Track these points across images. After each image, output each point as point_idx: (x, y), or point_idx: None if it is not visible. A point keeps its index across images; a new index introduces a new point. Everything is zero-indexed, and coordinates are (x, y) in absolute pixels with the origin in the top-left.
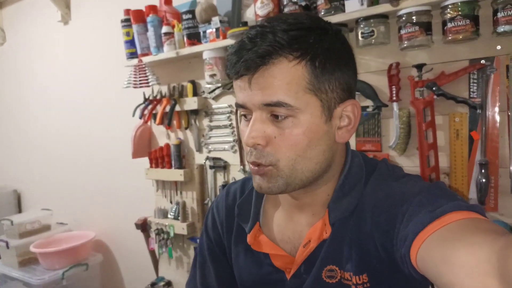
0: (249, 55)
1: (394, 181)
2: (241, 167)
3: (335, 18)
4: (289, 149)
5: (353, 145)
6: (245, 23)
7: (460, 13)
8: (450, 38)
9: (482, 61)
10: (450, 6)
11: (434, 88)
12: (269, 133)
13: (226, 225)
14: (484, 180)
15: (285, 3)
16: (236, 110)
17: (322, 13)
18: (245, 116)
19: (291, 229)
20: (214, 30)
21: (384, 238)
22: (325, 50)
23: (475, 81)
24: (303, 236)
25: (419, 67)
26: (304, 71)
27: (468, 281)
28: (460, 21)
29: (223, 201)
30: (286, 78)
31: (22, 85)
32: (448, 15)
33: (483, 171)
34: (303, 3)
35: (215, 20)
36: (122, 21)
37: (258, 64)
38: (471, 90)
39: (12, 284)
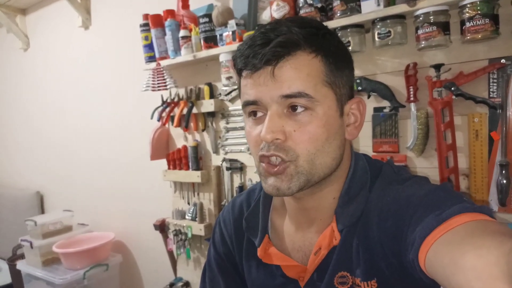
0: (270, 46)
1: (400, 184)
2: None
3: (351, 19)
4: (309, 143)
5: (370, 145)
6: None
7: (479, 12)
8: (468, 37)
9: (502, 61)
10: (468, 5)
11: (452, 88)
12: (288, 127)
13: (235, 239)
14: (505, 181)
15: (300, 5)
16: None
17: (338, 14)
18: (254, 114)
19: (300, 238)
20: (230, 33)
21: (392, 243)
22: (335, 48)
23: (495, 80)
24: (313, 244)
25: (437, 67)
26: (320, 65)
27: (477, 285)
28: (479, 20)
29: (230, 215)
30: (305, 69)
31: (44, 89)
32: (467, 14)
33: (503, 172)
34: (319, 5)
35: (232, 23)
36: (140, 26)
37: (280, 55)
38: (491, 90)
39: (36, 283)
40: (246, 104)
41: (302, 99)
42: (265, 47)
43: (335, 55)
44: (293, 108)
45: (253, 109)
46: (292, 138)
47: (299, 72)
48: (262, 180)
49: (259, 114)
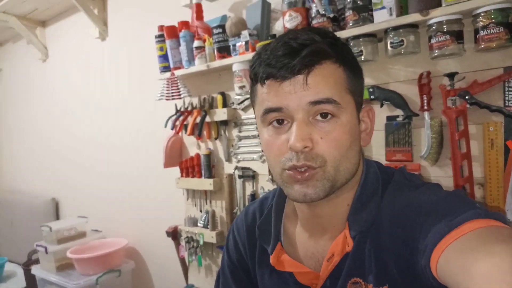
0: (302, 55)
1: (411, 191)
2: (270, 176)
3: (364, 29)
4: (336, 149)
5: (383, 154)
6: (274, 36)
7: (493, 20)
8: (482, 46)
9: None
10: (482, 14)
11: (467, 97)
12: (315, 135)
13: (248, 246)
14: None
15: (313, 15)
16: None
17: (351, 24)
18: (278, 122)
19: (313, 244)
20: (243, 43)
21: (404, 249)
22: (352, 58)
23: (511, 89)
24: (326, 250)
25: (451, 76)
26: (343, 74)
27: None
28: (493, 29)
29: (243, 223)
30: (333, 77)
31: (61, 98)
32: (481, 23)
33: None
34: (331, 15)
35: (245, 33)
36: (156, 37)
37: (311, 64)
38: (506, 98)
39: None
40: (268, 112)
41: (330, 105)
42: (294, 57)
43: (352, 64)
44: (321, 115)
45: (277, 117)
46: (319, 145)
47: (327, 80)
48: (286, 187)
49: (284, 122)
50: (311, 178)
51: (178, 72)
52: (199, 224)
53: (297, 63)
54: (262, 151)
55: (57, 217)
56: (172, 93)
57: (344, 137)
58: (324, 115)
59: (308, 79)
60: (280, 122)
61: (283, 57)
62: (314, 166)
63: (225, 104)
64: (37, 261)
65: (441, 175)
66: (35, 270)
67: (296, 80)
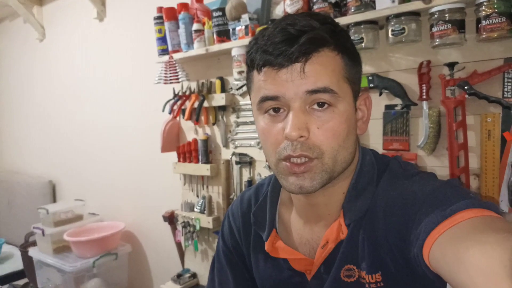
0: (300, 43)
1: (406, 180)
2: (267, 163)
3: (365, 16)
4: (333, 139)
5: (380, 143)
6: (274, 20)
7: (495, 10)
8: (484, 36)
9: None
10: (485, 3)
11: (466, 87)
12: (311, 124)
13: (243, 232)
14: None
15: (314, 0)
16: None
17: (352, 10)
18: (274, 110)
19: (308, 231)
20: (243, 27)
21: (397, 237)
22: (350, 45)
23: (510, 80)
24: (321, 237)
25: (451, 65)
26: (341, 61)
27: (480, 281)
28: (495, 19)
29: (238, 209)
30: (330, 66)
31: (58, 79)
32: (483, 12)
33: None
34: (333, 0)
35: (245, 17)
36: (154, 19)
37: (309, 51)
38: (505, 89)
39: (47, 270)
40: (264, 100)
41: (327, 94)
42: (292, 44)
43: (350, 51)
44: (317, 104)
45: (274, 105)
46: (315, 135)
47: (325, 68)
48: (282, 179)
49: (280, 110)
50: (308, 170)
51: (176, 56)
52: (195, 209)
53: (295, 50)
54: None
55: (54, 200)
56: (170, 76)
57: (341, 127)
58: (321, 104)
59: (306, 68)
60: (276, 110)
61: (281, 43)
62: (311, 156)
63: (223, 89)
64: (34, 243)
65: (438, 165)
66: (32, 252)
67: (293, 68)
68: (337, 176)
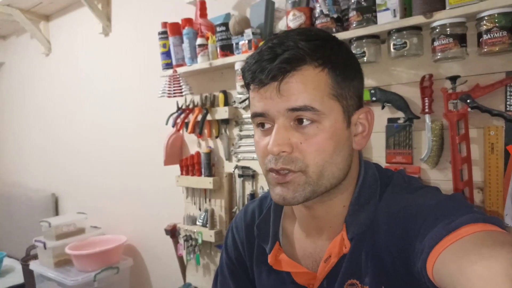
0: (276, 63)
1: (410, 194)
2: None
3: (367, 30)
4: (317, 154)
5: (383, 156)
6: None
7: (497, 24)
8: (485, 50)
9: None
10: (486, 18)
11: (468, 101)
12: (294, 139)
13: (247, 245)
14: None
15: (316, 15)
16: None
17: (354, 25)
18: (262, 125)
19: (311, 244)
20: (246, 41)
21: (400, 252)
22: (343, 59)
23: None
24: (324, 250)
25: (453, 79)
26: (327, 78)
27: None
28: (496, 33)
29: (242, 221)
30: (311, 84)
31: (62, 93)
32: (484, 26)
33: None
34: (335, 15)
35: (248, 32)
36: (159, 33)
37: (286, 70)
38: (508, 103)
39: (48, 284)
40: (254, 116)
41: (308, 112)
42: (271, 63)
43: (342, 66)
44: (300, 121)
45: (261, 121)
46: (299, 149)
47: (305, 86)
48: (270, 189)
49: (267, 125)
50: (291, 181)
51: (180, 70)
52: (198, 223)
53: (272, 68)
54: None
55: (57, 213)
56: (174, 90)
57: (326, 143)
58: (303, 121)
59: (282, 86)
60: (263, 125)
61: (265, 62)
62: (293, 169)
63: (226, 103)
64: (35, 257)
65: (441, 178)
66: (33, 265)
67: (272, 86)
68: (325, 191)
